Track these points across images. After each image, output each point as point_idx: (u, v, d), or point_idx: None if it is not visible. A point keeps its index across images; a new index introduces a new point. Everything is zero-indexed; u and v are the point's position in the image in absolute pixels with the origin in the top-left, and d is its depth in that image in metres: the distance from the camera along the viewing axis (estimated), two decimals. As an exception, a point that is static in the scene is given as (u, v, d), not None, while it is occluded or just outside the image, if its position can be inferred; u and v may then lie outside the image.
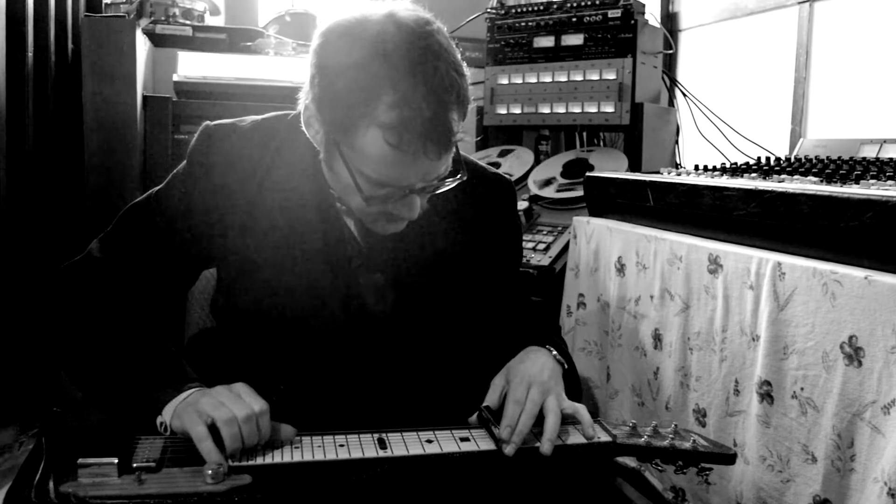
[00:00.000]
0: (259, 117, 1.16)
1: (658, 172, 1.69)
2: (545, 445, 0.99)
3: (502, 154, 2.46)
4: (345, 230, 1.11)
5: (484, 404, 1.07)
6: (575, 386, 1.16)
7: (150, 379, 1.00)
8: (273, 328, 1.11)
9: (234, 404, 0.93)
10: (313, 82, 0.99)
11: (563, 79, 2.23)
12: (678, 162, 2.47)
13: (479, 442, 1.01)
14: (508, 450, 0.98)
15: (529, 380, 1.06)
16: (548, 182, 2.23)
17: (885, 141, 1.71)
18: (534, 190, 2.21)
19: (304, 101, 1.03)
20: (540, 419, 1.02)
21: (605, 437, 1.04)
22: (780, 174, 1.43)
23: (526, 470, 1.02)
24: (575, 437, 1.04)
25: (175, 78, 2.33)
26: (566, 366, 1.14)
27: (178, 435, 0.94)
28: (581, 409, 1.06)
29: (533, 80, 2.29)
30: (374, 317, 1.12)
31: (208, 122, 1.14)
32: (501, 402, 1.06)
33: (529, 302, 1.32)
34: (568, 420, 1.06)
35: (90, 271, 1.11)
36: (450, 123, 0.94)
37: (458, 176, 1.02)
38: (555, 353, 1.14)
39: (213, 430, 0.92)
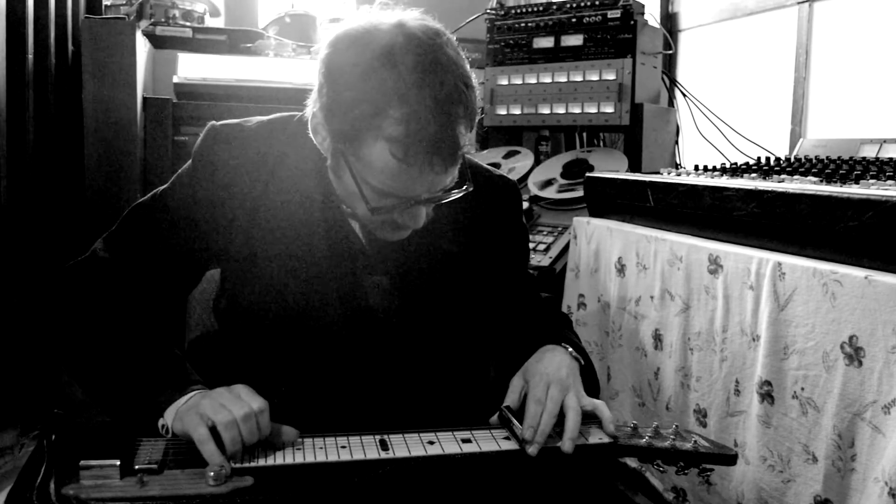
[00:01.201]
0: (265, 118, 1.16)
1: (658, 173, 1.70)
2: (566, 444, 0.99)
3: (503, 156, 2.46)
4: (349, 232, 1.11)
5: (504, 404, 1.07)
6: (592, 381, 1.16)
7: (152, 381, 1.00)
8: (276, 329, 1.11)
9: (234, 405, 0.93)
10: (321, 91, 0.99)
11: (563, 79, 2.23)
12: (678, 162, 2.47)
13: (481, 443, 1.01)
14: (532, 450, 0.99)
15: (548, 379, 1.06)
16: (548, 183, 2.23)
17: (884, 141, 1.71)
18: (534, 191, 2.21)
19: (311, 108, 1.03)
20: (560, 417, 1.02)
21: (606, 438, 1.04)
22: (779, 174, 1.43)
23: (546, 468, 1.02)
24: (595, 436, 1.04)
25: (175, 79, 2.33)
26: (583, 362, 1.14)
27: (180, 437, 0.95)
28: (601, 406, 1.06)
29: (533, 80, 2.30)
30: (378, 318, 1.12)
31: (214, 122, 1.14)
32: (521, 402, 1.06)
33: (539, 299, 1.32)
34: (587, 418, 1.06)
35: (95, 270, 1.11)
36: (456, 137, 0.94)
37: (465, 187, 1.02)
38: (570, 349, 1.14)
39: (215, 432, 0.92)
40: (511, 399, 1.08)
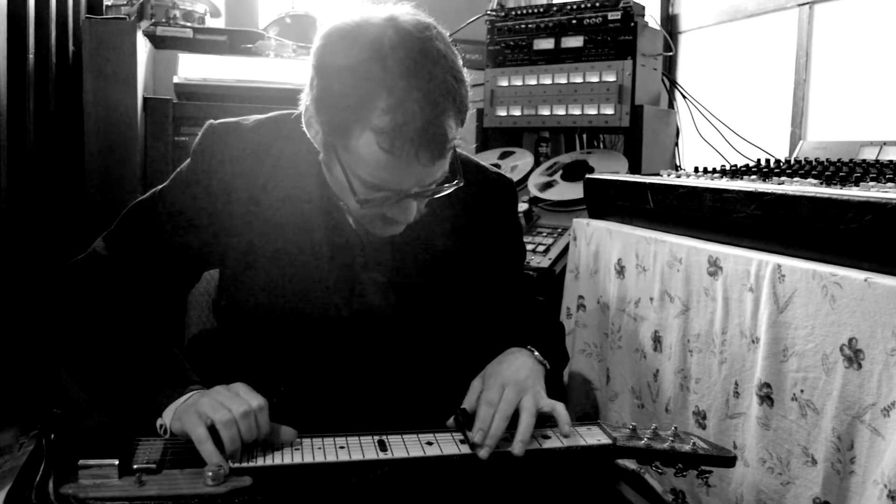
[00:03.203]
0: (263, 116, 1.16)
1: (658, 174, 1.69)
2: (517, 447, 0.98)
3: (502, 156, 2.46)
4: (348, 228, 1.11)
5: (461, 406, 1.06)
6: (557, 388, 1.15)
7: (151, 380, 1.00)
8: (275, 326, 1.11)
9: (233, 403, 0.93)
10: (312, 83, 1.00)
11: (563, 81, 2.23)
12: (678, 164, 2.47)
13: (479, 444, 1.01)
14: (482, 453, 0.98)
15: (503, 380, 1.05)
16: (548, 184, 2.23)
17: (884, 143, 1.71)
18: (534, 192, 2.21)
19: (304, 101, 1.04)
20: (516, 420, 1.01)
21: (605, 440, 1.04)
22: (779, 176, 1.43)
23: (502, 473, 1.01)
24: (554, 442, 1.03)
25: (175, 80, 2.33)
26: (548, 366, 1.14)
27: (178, 437, 0.95)
28: (559, 407, 1.05)
29: (533, 82, 2.30)
30: (377, 315, 1.12)
31: (212, 121, 1.14)
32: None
33: (532, 301, 1.31)
34: (547, 421, 1.05)
35: (95, 269, 1.11)
36: (444, 130, 0.94)
37: (455, 182, 1.02)
38: (536, 353, 1.13)
39: (213, 431, 0.92)
40: (469, 401, 1.07)
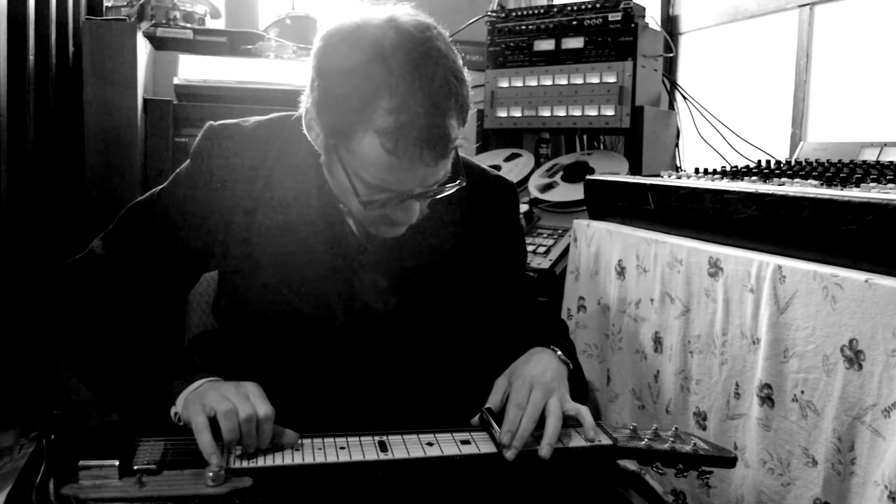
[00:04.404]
0: (263, 118, 1.16)
1: (658, 175, 1.70)
2: (544, 449, 0.99)
3: (507, 158, 2.46)
4: (347, 230, 1.11)
5: (486, 406, 1.07)
6: (581, 386, 1.16)
7: (160, 372, 1.01)
8: (275, 328, 1.11)
9: (239, 401, 0.93)
10: (313, 86, 0.99)
11: (564, 82, 2.24)
12: (678, 165, 2.47)
13: (480, 445, 1.01)
14: (509, 454, 0.98)
15: (531, 381, 1.05)
16: (548, 185, 2.23)
17: (885, 144, 1.72)
18: (534, 193, 2.21)
19: (304, 104, 1.04)
20: (542, 421, 1.02)
21: (605, 441, 1.04)
22: (780, 177, 1.43)
23: (526, 472, 1.02)
24: (576, 441, 1.04)
25: (175, 81, 2.33)
26: (571, 366, 1.14)
27: (182, 430, 0.95)
28: (584, 411, 1.06)
29: (533, 83, 2.30)
30: (377, 317, 1.12)
31: (212, 122, 1.14)
32: (503, 403, 1.06)
33: (535, 302, 1.32)
34: (570, 422, 1.06)
35: (93, 269, 1.11)
36: (447, 130, 0.94)
37: (458, 182, 1.02)
38: (559, 353, 1.14)
39: (215, 423, 0.92)
40: (493, 400, 1.07)
